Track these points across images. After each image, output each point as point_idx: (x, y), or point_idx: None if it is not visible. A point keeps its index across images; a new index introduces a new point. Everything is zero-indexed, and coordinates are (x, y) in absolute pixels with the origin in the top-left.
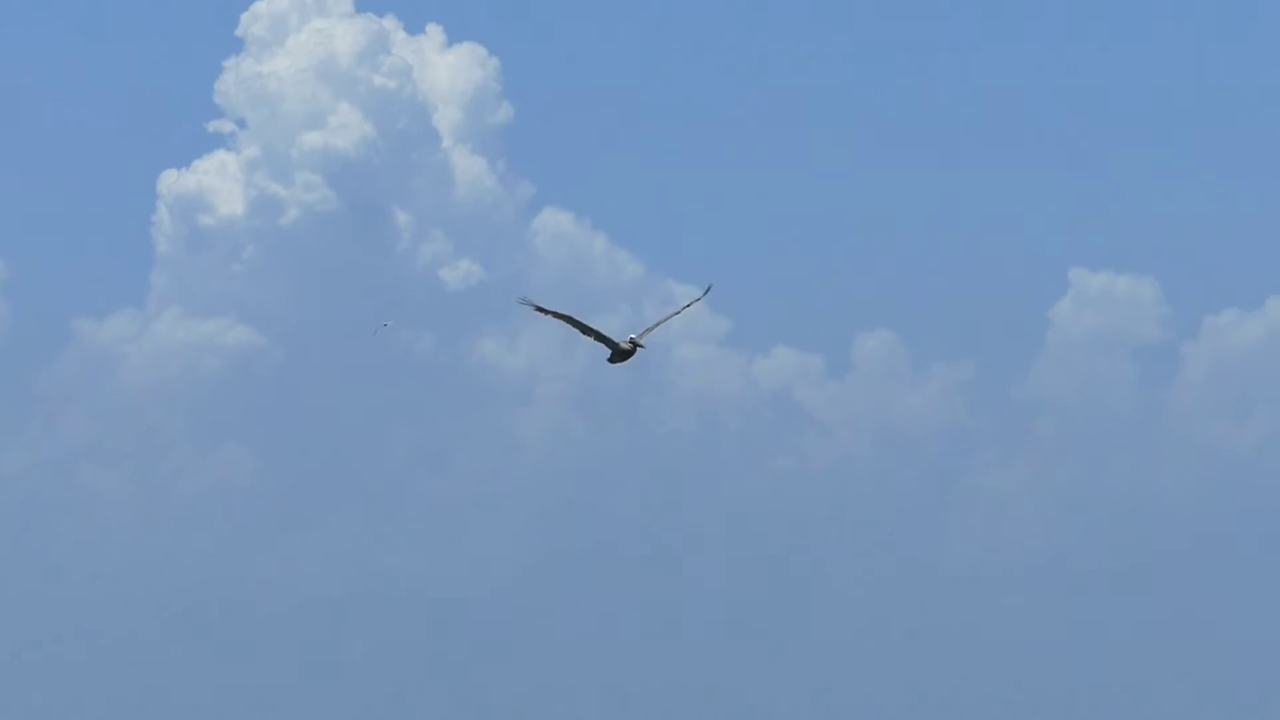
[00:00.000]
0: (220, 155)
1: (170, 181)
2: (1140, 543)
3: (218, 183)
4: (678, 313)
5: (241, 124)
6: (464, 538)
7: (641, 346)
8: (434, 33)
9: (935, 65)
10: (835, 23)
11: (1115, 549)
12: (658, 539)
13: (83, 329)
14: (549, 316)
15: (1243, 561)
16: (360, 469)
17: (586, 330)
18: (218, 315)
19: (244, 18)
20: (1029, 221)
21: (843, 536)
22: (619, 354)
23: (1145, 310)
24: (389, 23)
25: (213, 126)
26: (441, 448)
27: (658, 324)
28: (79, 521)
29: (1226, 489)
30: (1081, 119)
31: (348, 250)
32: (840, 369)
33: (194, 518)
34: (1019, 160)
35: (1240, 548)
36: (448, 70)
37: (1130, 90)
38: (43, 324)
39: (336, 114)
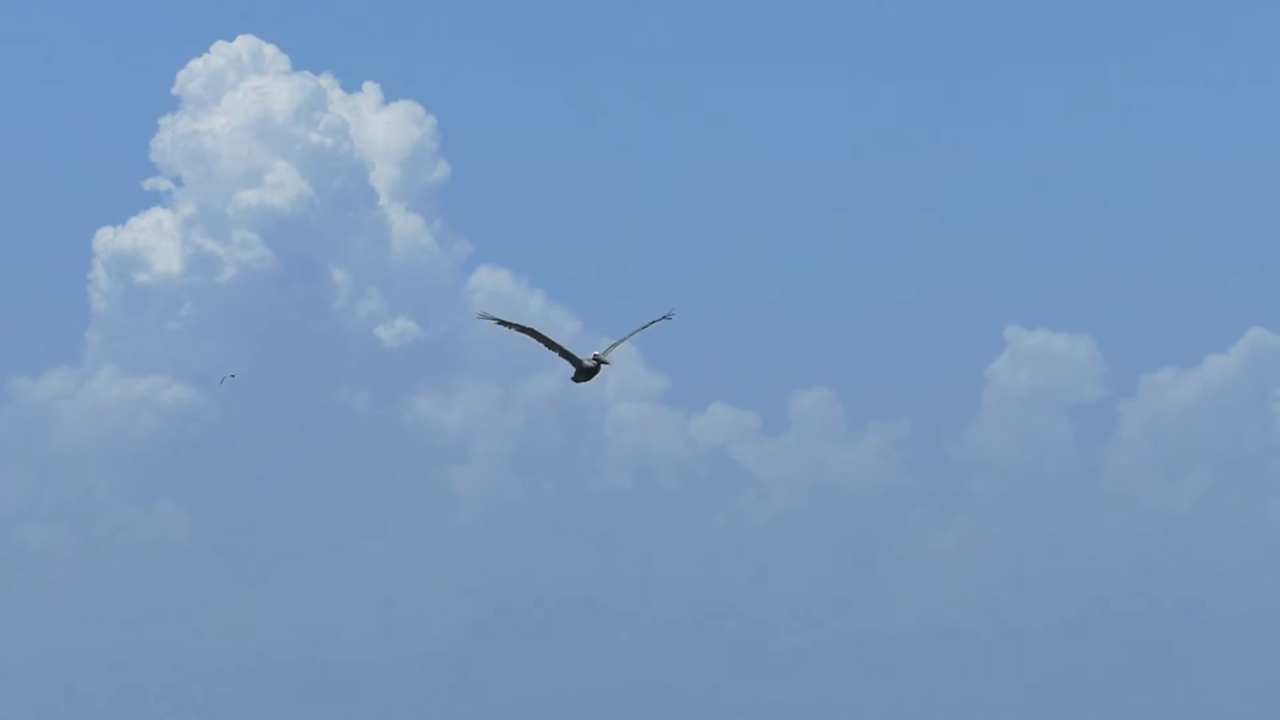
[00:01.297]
0: (157, 213)
1: (106, 239)
2: (1077, 600)
3: (154, 240)
4: (640, 330)
5: (178, 182)
6: (401, 595)
7: (606, 363)
8: (371, 91)
9: (873, 129)
10: (771, 85)
11: (1052, 606)
12: (595, 596)
13: (18, 387)
14: (513, 330)
15: (1179, 619)
16: (297, 526)
17: (550, 345)
18: (154, 373)
19: (180, 75)
20: (966, 280)
21: (779, 593)
22: (583, 372)
23: (1082, 369)
24: (325, 81)
25: (149, 184)
26: (378, 505)
27: (620, 341)
28: (16, 579)
29: (1163, 547)
30: (1017, 179)
31: (284, 308)
32: (777, 427)
33: (131, 576)
34: (955, 219)
35: (1177, 605)
36: (384, 128)
37: (1066, 152)
38: None
39: (273, 172)
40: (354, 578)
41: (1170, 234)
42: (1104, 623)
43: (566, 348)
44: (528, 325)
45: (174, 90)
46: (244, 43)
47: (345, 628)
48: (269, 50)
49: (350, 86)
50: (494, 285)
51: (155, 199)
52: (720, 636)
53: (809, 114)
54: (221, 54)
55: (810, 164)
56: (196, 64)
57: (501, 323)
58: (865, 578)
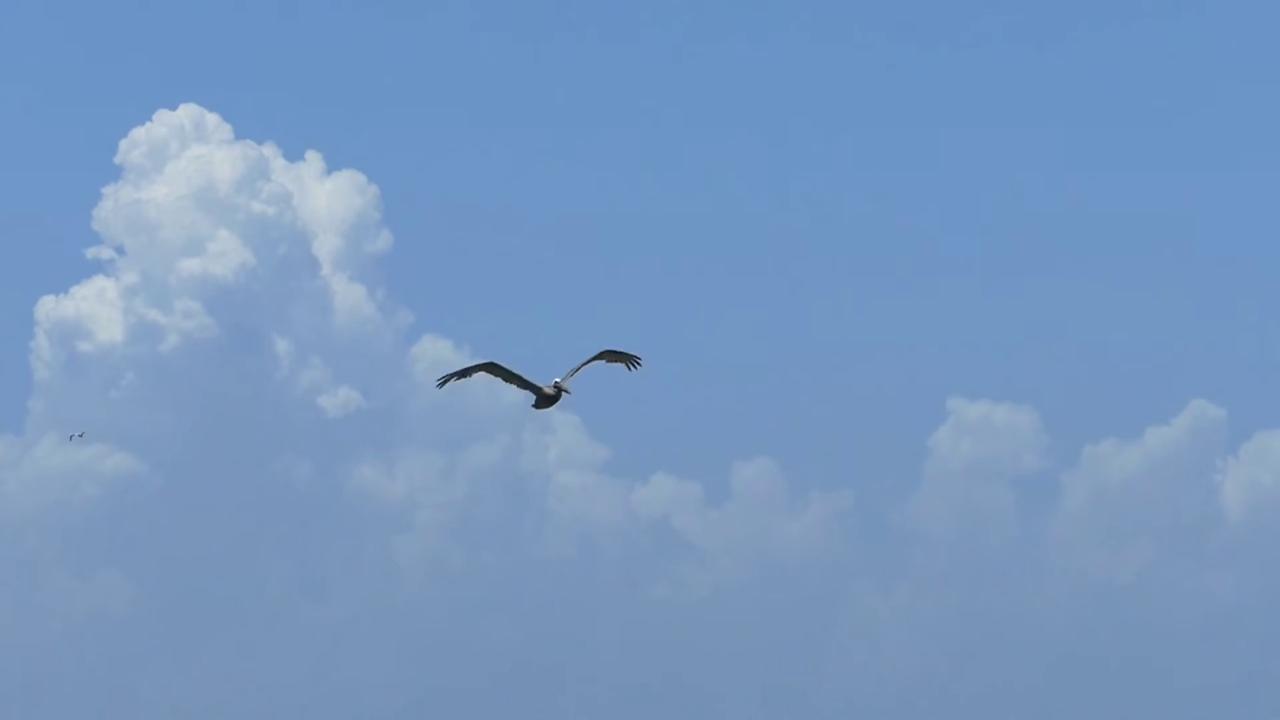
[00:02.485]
0: (99, 281)
1: (48, 308)
2: (1018, 672)
3: (96, 309)
4: (598, 357)
5: (120, 250)
6: (343, 666)
7: (567, 391)
8: (313, 160)
9: (810, 194)
10: (710, 149)
11: (993, 678)
12: (537, 666)
13: None
14: (471, 377)
15: (1121, 692)
16: (239, 596)
17: (509, 377)
18: (96, 442)
19: (123, 144)
20: (907, 350)
21: (721, 664)
22: (544, 399)
23: (1024, 439)
24: (268, 150)
25: (91, 253)
26: (321, 574)
27: (579, 367)
28: None
29: (1105, 619)
30: (958, 248)
31: (227, 377)
32: (719, 497)
33: (71, 645)
34: (897, 289)
35: (1119, 678)
36: (327, 197)
37: (1009, 222)
38: None
39: (216, 241)
40: (296, 646)
41: (1113, 306)
42: (1046, 693)
43: (526, 377)
44: (482, 363)
45: (116, 159)
46: (186, 111)
47: (287, 696)
48: (211, 119)
49: (293, 155)
50: (436, 354)
51: (98, 267)
52: (663, 707)
53: (754, 179)
54: (164, 122)
55: (753, 231)
56: (139, 132)
57: (460, 375)
58: (808, 647)
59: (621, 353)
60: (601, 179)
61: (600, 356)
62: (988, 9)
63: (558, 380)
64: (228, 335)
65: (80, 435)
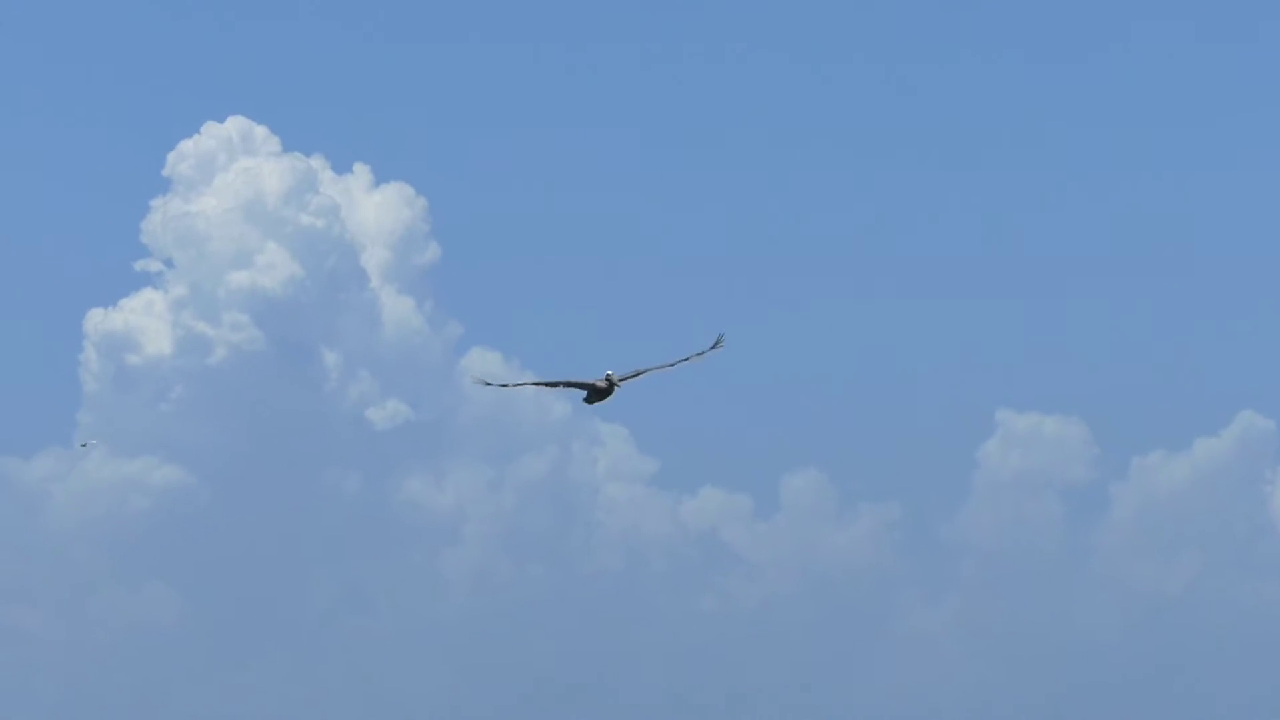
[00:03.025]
0: (148, 294)
1: (97, 320)
2: (1066, 682)
3: (145, 322)
4: (674, 365)
5: (169, 263)
6: (390, 676)
7: (617, 385)
8: (361, 172)
9: (866, 213)
10: (763, 168)
11: (1041, 688)
12: (585, 678)
13: (9, 468)
14: (511, 389)
15: (1169, 703)
16: (286, 608)
17: (553, 385)
18: (144, 454)
19: (171, 157)
20: (956, 363)
21: (769, 675)
22: (596, 393)
23: (1073, 451)
24: (316, 162)
25: (140, 266)
26: (368, 587)
27: (646, 371)
28: (5, 659)
29: (1153, 630)
30: (1007, 262)
31: (275, 389)
32: (767, 509)
33: (119, 656)
34: (947, 302)
35: (1167, 689)
36: (375, 210)
37: (1057, 236)
38: None
39: (264, 253)
40: (343, 658)
41: (1162, 317)
42: (1093, 704)
43: (572, 380)
44: (522, 381)
45: (165, 171)
46: (234, 124)
47: (334, 708)
48: (260, 131)
49: (341, 168)
50: (485, 366)
51: (146, 280)
52: (710, 718)
53: (802, 197)
54: (212, 135)
55: (802, 247)
56: (187, 145)
57: (502, 385)
58: (855, 659)
59: (698, 354)
60: (651, 192)
61: (671, 365)
62: (1025, 23)
63: (610, 373)
64: (276, 348)
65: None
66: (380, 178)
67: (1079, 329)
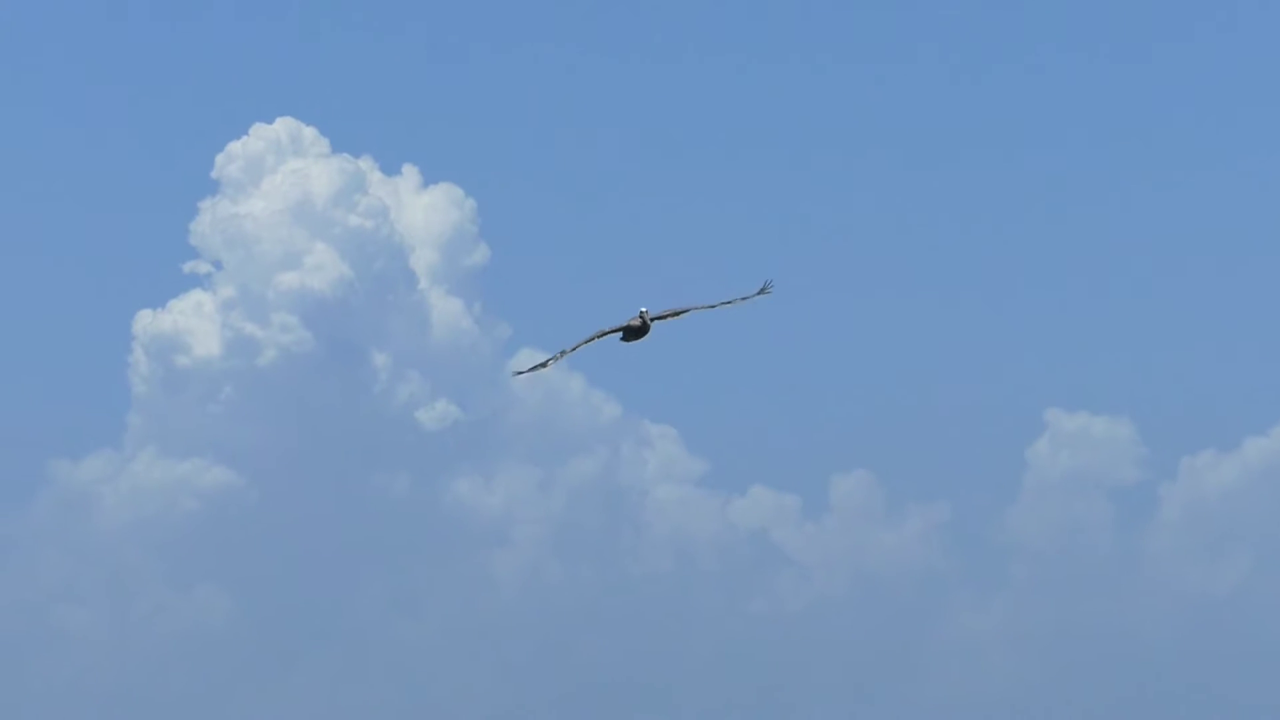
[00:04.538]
0: (196, 295)
1: (146, 322)
2: (1117, 685)
3: (194, 323)
4: (715, 306)
5: (218, 265)
6: (440, 680)
7: (650, 323)
8: (410, 173)
9: (908, 207)
10: (803, 164)
11: (1091, 691)
12: (634, 681)
13: (59, 470)
14: (549, 366)
15: (1219, 703)
16: (336, 610)
17: (589, 342)
18: (194, 456)
19: (219, 159)
20: (1005, 362)
21: (819, 678)
22: (632, 332)
23: (1122, 451)
24: (365, 163)
25: (189, 267)
26: (417, 589)
27: (685, 311)
28: (53, 662)
29: (1204, 632)
30: (1055, 261)
31: (324, 391)
32: (817, 510)
33: (169, 659)
34: (995, 301)
35: (1218, 691)
36: (424, 211)
37: (1105, 235)
38: (19, 465)
39: (313, 254)
40: (393, 661)
41: (1210, 317)
42: (1144, 707)
43: (607, 330)
44: (558, 353)
45: (213, 173)
46: (283, 125)
47: (384, 711)
48: (308, 133)
49: (390, 169)
50: None
51: (195, 282)
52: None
53: (846, 197)
54: (260, 136)
55: (848, 246)
56: (235, 147)
57: (535, 368)
58: (905, 661)
59: (742, 298)
60: (697, 194)
61: (713, 306)
62: (1078, 30)
63: (644, 310)
64: (325, 349)
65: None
66: (429, 179)
67: (1128, 329)
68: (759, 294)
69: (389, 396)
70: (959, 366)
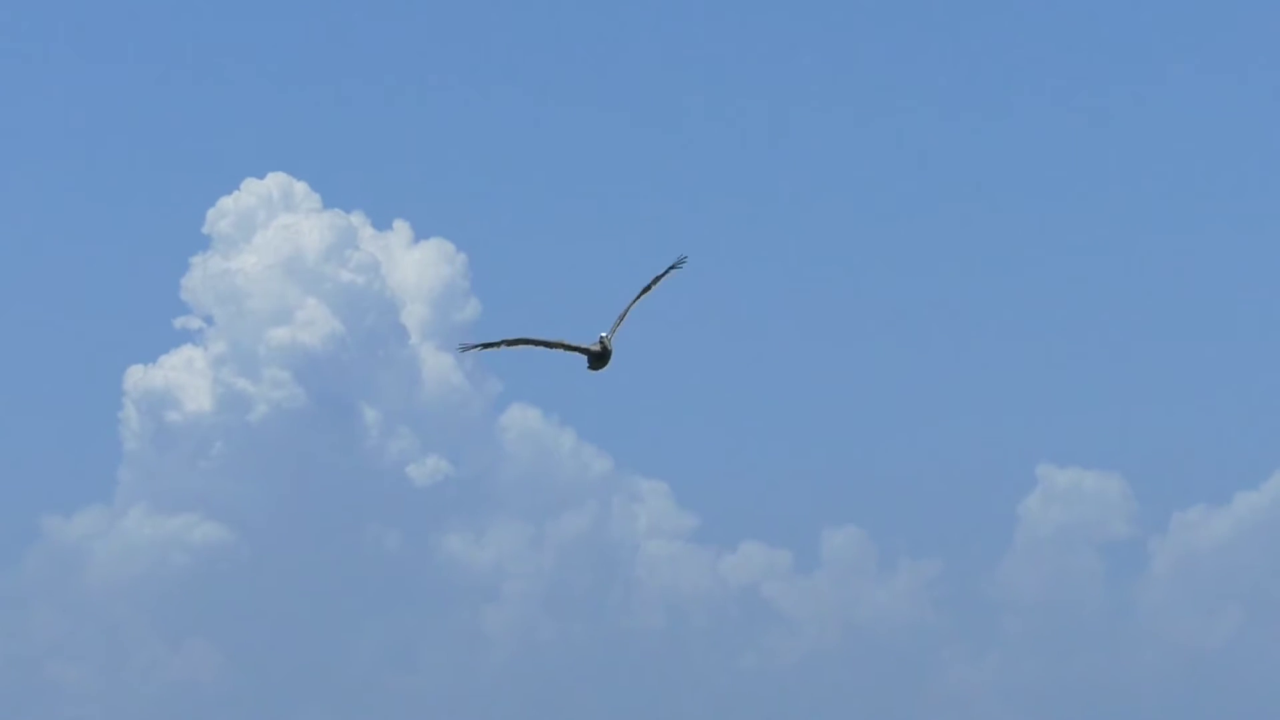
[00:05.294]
0: (188, 351)
1: (137, 378)
2: None
3: (185, 379)
4: (644, 292)
5: (209, 320)
6: None
7: (609, 345)
8: (401, 229)
9: (901, 264)
10: (802, 220)
11: None
12: None
13: (50, 525)
14: (504, 348)
15: None
16: (328, 666)
17: (550, 345)
18: (185, 512)
19: (210, 214)
20: (996, 418)
21: None
22: (595, 358)
23: (1113, 506)
24: (356, 219)
25: (180, 323)
26: (409, 644)
27: (625, 313)
28: (47, 717)
29: (1196, 685)
30: (1048, 317)
31: (316, 446)
32: (808, 565)
33: (162, 714)
34: (986, 356)
35: None
36: (415, 266)
37: (1097, 289)
38: (10, 520)
39: (304, 310)
40: (385, 716)
41: (1201, 373)
42: None
43: (569, 342)
44: (514, 338)
45: (204, 229)
46: (274, 180)
47: None
48: (299, 188)
49: (381, 224)
50: (525, 423)
51: (186, 337)
52: None
53: (838, 250)
54: (252, 192)
55: (839, 300)
56: (226, 202)
57: (485, 346)
58: (897, 716)
59: (657, 277)
60: (695, 248)
61: (641, 294)
62: (1051, 80)
63: (603, 335)
64: (317, 404)
65: None
66: (420, 234)
67: (1119, 385)
68: (673, 268)
69: (380, 452)
70: (950, 422)
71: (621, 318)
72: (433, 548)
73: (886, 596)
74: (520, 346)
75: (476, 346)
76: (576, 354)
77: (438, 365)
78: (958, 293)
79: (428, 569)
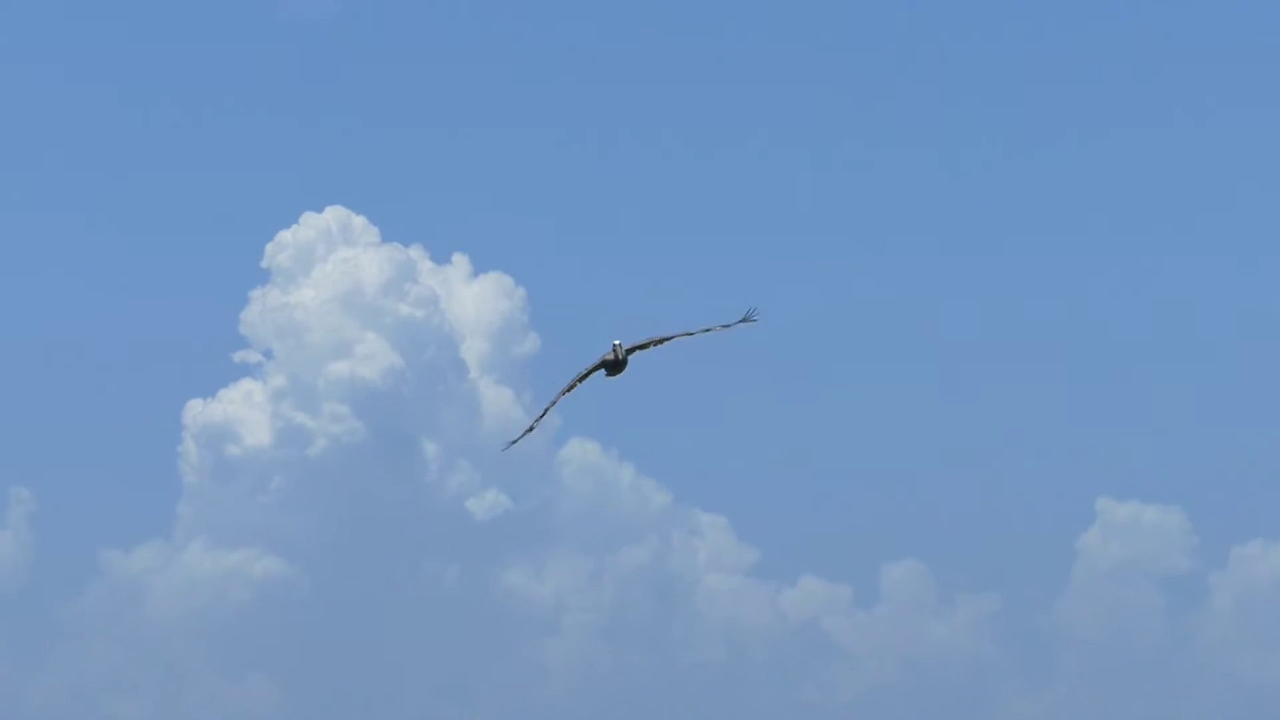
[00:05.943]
0: (247, 385)
1: (196, 412)
2: None
3: (244, 413)
4: (702, 332)
5: (268, 354)
6: None
7: (623, 356)
8: (460, 263)
9: (956, 297)
10: (862, 256)
11: None
12: None
13: (110, 559)
14: (543, 419)
15: None
16: (387, 700)
17: (572, 388)
18: (245, 546)
19: (269, 248)
20: (1055, 451)
21: None
22: (610, 366)
23: (1172, 540)
24: (415, 252)
25: (239, 357)
26: (469, 679)
27: (667, 339)
28: None
29: (1255, 719)
30: (1106, 348)
31: (375, 480)
32: (868, 599)
33: None
34: (1045, 390)
35: None
36: (474, 300)
37: (1156, 320)
38: (70, 554)
39: (363, 343)
40: None
41: (1259, 404)
42: None
43: (585, 372)
44: (545, 408)
45: (263, 263)
46: (333, 214)
47: None
48: (358, 221)
49: (440, 258)
50: (584, 457)
51: (245, 371)
52: None
53: (895, 287)
54: (311, 225)
55: (897, 335)
56: (285, 235)
57: (529, 431)
58: None
59: (725, 325)
60: (752, 284)
61: (697, 333)
62: (1134, 107)
63: (616, 343)
64: (376, 438)
65: None
66: (479, 268)
67: (1178, 418)
68: (742, 322)
69: (439, 486)
70: (1009, 456)
71: (659, 342)
72: (492, 582)
73: (946, 631)
74: (560, 399)
75: (521, 437)
76: (600, 369)
77: (497, 399)
78: (1015, 327)
79: (487, 603)
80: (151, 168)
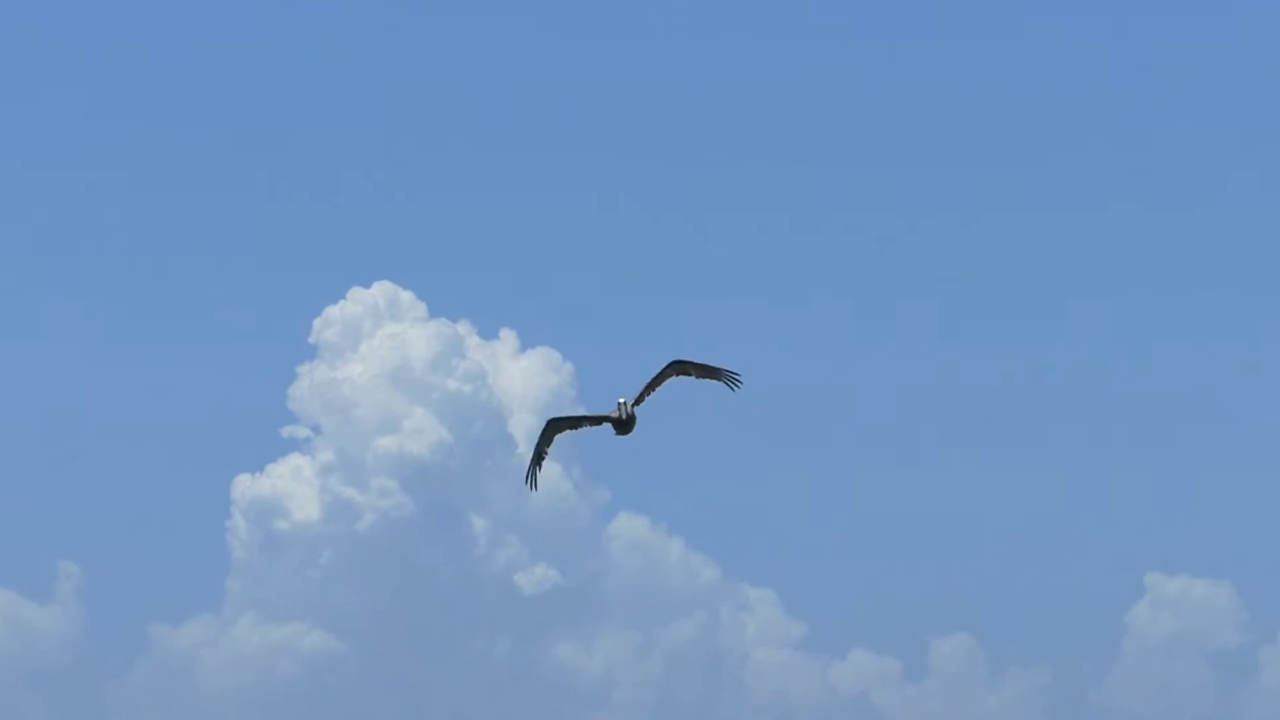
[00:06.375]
0: (295, 460)
1: (244, 486)
2: None
3: (293, 488)
4: (668, 371)
5: (316, 429)
6: None
7: (625, 414)
8: (508, 337)
9: (1005, 366)
10: (908, 326)
11: None
12: None
13: (159, 635)
14: (547, 454)
15: None
16: None
17: (577, 424)
18: (294, 620)
19: (316, 324)
20: (1105, 526)
21: None
22: (619, 425)
23: (1223, 615)
24: (462, 328)
25: (287, 432)
26: None
27: (651, 386)
28: None
29: None
30: (1155, 423)
31: (424, 555)
32: (917, 673)
33: None
34: (1095, 464)
35: None
36: (522, 375)
37: (1207, 393)
38: (118, 629)
39: (411, 418)
40: None
41: None
42: None
43: (593, 415)
44: (546, 435)
45: (310, 338)
46: (380, 289)
47: None
48: (405, 297)
49: (488, 333)
50: (633, 532)
51: (293, 446)
52: None
53: (947, 355)
54: (358, 301)
55: (945, 406)
56: (333, 311)
57: (537, 462)
58: None
59: (699, 365)
60: (785, 356)
61: (671, 370)
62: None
63: (621, 400)
64: (424, 513)
65: None
66: (527, 343)
67: (1229, 492)
68: (727, 380)
69: (488, 561)
70: (1059, 529)
71: (648, 390)
72: (541, 656)
73: (996, 705)
74: (557, 435)
75: (535, 471)
76: (605, 422)
77: (545, 474)
78: (1065, 399)
79: (536, 677)
80: (198, 245)
